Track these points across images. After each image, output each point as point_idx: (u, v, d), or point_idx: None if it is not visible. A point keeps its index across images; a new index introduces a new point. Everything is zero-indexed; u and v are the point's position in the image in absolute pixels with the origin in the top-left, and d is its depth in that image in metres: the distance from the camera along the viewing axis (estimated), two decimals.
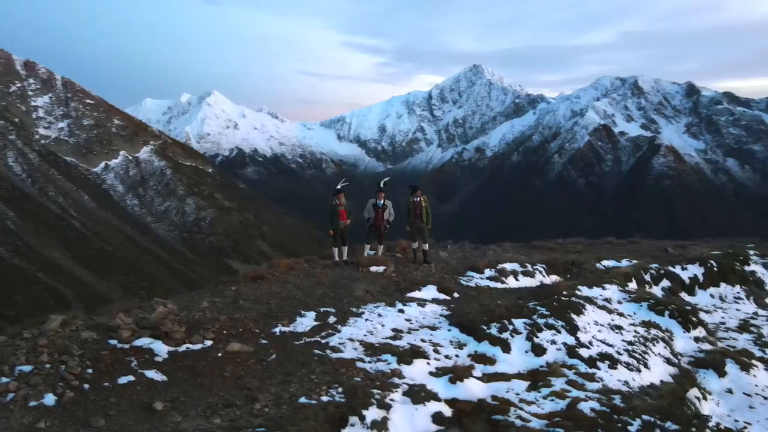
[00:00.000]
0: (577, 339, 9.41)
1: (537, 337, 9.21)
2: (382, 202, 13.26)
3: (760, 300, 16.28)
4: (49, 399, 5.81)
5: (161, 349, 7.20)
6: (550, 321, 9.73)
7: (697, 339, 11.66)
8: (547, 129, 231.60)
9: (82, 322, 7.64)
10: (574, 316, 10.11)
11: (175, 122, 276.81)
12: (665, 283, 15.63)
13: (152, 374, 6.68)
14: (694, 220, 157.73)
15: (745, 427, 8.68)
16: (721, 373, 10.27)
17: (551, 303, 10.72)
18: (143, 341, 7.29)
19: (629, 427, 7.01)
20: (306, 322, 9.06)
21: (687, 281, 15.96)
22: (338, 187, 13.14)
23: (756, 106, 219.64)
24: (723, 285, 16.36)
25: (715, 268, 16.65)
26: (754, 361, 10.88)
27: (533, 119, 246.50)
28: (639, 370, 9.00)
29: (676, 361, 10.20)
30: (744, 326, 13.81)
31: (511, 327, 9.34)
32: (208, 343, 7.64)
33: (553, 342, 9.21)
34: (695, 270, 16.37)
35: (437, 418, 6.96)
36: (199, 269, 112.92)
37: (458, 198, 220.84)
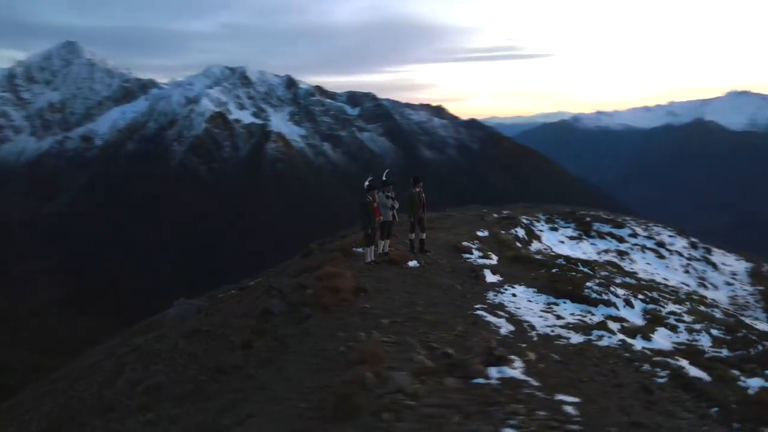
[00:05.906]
0: (625, 292, 11.69)
1: (618, 294, 11.08)
2: (390, 195, 12.49)
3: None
4: None
5: (515, 373, 6.15)
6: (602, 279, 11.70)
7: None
8: (162, 116, 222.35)
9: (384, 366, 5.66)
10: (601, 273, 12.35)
11: None
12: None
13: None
14: (305, 198, 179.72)
15: None
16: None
17: (569, 267, 12.67)
18: (493, 371, 6.07)
19: (753, 339, 9.74)
20: (500, 323, 8.50)
21: (525, 239, 20.24)
22: (367, 183, 11.69)
23: (339, 99, 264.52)
24: (535, 242, 21.36)
25: (526, 228, 21.52)
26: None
27: (146, 105, 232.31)
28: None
29: None
30: None
31: (598, 289, 10.91)
32: (519, 361, 6.71)
33: (626, 294, 11.25)
34: (521, 232, 20.82)
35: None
36: None
37: (68, 194, 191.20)
